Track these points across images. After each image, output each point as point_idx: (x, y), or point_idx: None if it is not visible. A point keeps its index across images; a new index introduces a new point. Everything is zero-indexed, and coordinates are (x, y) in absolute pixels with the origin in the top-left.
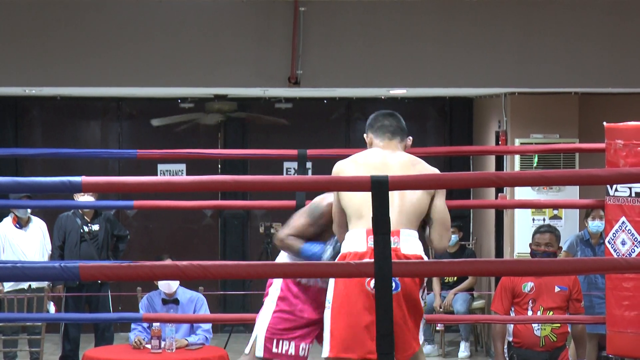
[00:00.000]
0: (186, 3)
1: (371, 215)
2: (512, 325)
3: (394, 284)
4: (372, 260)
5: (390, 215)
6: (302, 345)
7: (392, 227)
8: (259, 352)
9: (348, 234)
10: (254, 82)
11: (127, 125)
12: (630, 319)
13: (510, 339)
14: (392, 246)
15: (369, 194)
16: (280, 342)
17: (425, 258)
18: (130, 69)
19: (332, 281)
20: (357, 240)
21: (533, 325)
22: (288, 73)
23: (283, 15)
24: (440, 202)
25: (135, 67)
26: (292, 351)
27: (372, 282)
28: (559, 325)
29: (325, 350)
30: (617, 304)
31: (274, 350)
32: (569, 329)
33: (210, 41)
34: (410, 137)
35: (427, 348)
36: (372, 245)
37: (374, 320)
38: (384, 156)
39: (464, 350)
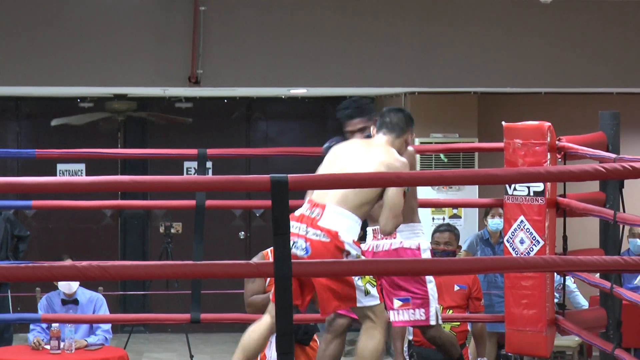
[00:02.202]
0: (85, 1)
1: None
2: None
3: (304, 251)
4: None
5: (331, 192)
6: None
7: (321, 201)
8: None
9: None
10: (154, 81)
11: (26, 125)
12: (529, 317)
13: (411, 338)
14: (312, 215)
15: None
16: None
17: (346, 238)
18: (28, 68)
19: None
20: (301, 207)
21: None
22: (188, 72)
23: (183, 14)
24: (393, 190)
25: (34, 66)
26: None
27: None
28: (458, 323)
29: None
30: (516, 303)
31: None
32: (469, 328)
33: (110, 40)
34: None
35: None
36: (303, 212)
37: None
38: (354, 145)
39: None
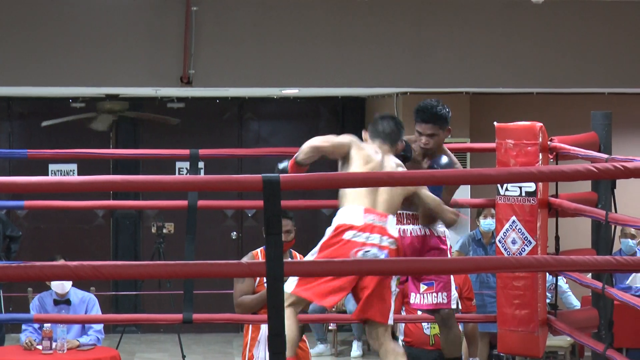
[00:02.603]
0: (77, 2)
1: (369, 197)
2: (403, 325)
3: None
4: (264, 261)
5: (378, 199)
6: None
7: (381, 210)
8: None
9: (344, 208)
10: (146, 81)
11: (18, 125)
12: (521, 318)
13: (402, 338)
14: (383, 225)
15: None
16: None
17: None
18: (20, 68)
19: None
20: (355, 215)
21: (423, 324)
22: (180, 72)
23: (175, 15)
24: (424, 192)
25: (25, 66)
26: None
27: (360, 253)
28: None
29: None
30: (508, 303)
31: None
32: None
33: (102, 40)
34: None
35: (319, 347)
36: (369, 222)
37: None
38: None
39: (356, 349)
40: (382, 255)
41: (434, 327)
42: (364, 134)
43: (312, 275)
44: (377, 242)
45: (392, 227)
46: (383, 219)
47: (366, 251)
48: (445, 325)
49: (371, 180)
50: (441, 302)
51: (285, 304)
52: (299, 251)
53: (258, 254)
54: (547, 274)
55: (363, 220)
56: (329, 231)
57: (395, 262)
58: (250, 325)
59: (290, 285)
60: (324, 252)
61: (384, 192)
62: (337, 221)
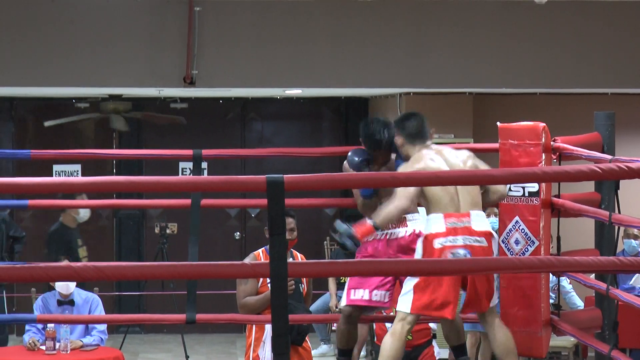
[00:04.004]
0: (80, 2)
1: (446, 202)
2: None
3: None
4: (268, 262)
5: (459, 200)
6: (375, 292)
7: (463, 210)
8: (343, 302)
9: (428, 218)
10: (149, 81)
11: (21, 126)
12: (524, 318)
13: (375, 340)
14: (465, 225)
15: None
16: (356, 291)
17: (495, 235)
18: (23, 69)
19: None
20: (438, 223)
21: (387, 324)
22: (183, 73)
23: (178, 15)
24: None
25: (29, 66)
26: (366, 297)
27: (449, 255)
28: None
29: (407, 307)
30: (511, 303)
31: (352, 297)
32: (432, 326)
33: (105, 41)
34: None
35: (322, 348)
36: (451, 226)
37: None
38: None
39: (362, 350)
40: (466, 254)
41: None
42: (397, 140)
43: (320, 276)
44: (460, 244)
45: (479, 222)
46: (464, 219)
47: (453, 253)
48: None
49: (375, 181)
50: None
51: (406, 328)
52: (303, 251)
53: (260, 255)
54: (551, 274)
55: (445, 227)
56: (420, 245)
57: (397, 262)
58: (254, 326)
59: (406, 305)
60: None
61: (462, 193)
62: (424, 231)
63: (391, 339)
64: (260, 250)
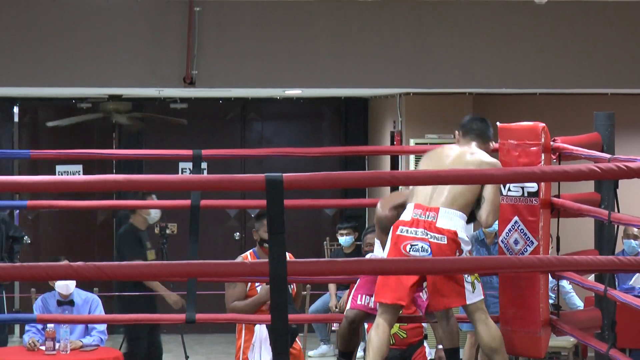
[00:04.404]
0: (81, 3)
1: (423, 193)
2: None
3: (426, 252)
4: (267, 260)
5: (435, 194)
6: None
7: (433, 205)
8: (348, 305)
9: (407, 206)
10: (149, 82)
11: (22, 126)
12: (523, 318)
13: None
14: (428, 219)
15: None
16: (364, 296)
17: (462, 235)
18: (24, 69)
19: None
20: (407, 212)
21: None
22: (183, 73)
23: (178, 15)
24: (492, 187)
25: (29, 67)
26: (371, 305)
27: (408, 247)
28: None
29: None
30: (510, 303)
31: (358, 302)
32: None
33: (106, 41)
34: (493, 143)
35: (322, 348)
36: (416, 217)
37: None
38: (449, 149)
39: (359, 350)
40: (427, 248)
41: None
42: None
43: (319, 275)
44: (422, 236)
45: (445, 220)
46: (430, 213)
47: (412, 245)
48: (442, 317)
49: (374, 180)
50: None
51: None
52: (304, 250)
53: (248, 257)
54: (549, 275)
55: (408, 216)
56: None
57: (398, 262)
58: (244, 328)
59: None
60: (389, 254)
61: (442, 188)
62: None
63: (373, 329)
64: (248, 253)
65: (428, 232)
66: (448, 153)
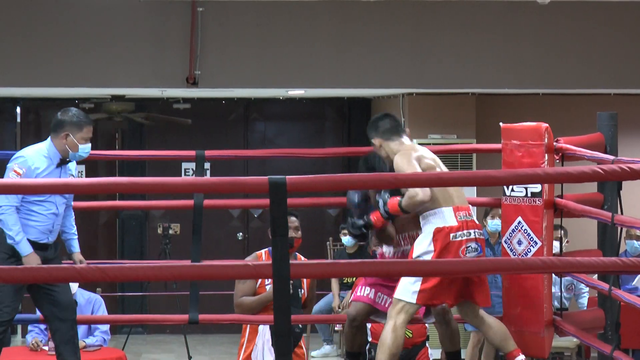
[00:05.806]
0: (84, 3)
1: (455, 195)
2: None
3: (476, 252)
4: (270, 262)
5: (458, 194)
6: (380, 294)
7: (466, 205)
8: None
9: (438, 212)
10: (152, 82)
11: (24, 126)
12: (527, 318)
13: (370, 339)
14: (470, 219)
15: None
16: (364, 288)
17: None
18: (26, 69)
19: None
20: (449, 217)
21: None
22: (186, 73)
23: (181, 16)
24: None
25: (32, 67)
26: (372, 295)
27: (465, 250)
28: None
29: (411, 297)
30: (514, 303)
31: (357, 293)
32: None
33: (108, 41)
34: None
35: (325, 348)
36: (462, 219)
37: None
38: (424, 148)
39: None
40: (479, 247)
41: None
42: (375, 142)
43: (322, 277)
44: (474, 237)
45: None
46: (469, 212)
47: (467, 246)
48: (442, 321)
49: (377, 182)
50: None
51: (404, 318)
52: (307, 251)
53: (262, 255)
54: (554, 274)
55: (451, 220)
56: (427, 237)
57: (400, 264)
58: (248, 328)
59: (410, 294)
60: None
61: (457, 187)
62: (435, 225)
63: (392, 331)
64: (263, 251)
65: (477, 231)
66: (430, 152)
